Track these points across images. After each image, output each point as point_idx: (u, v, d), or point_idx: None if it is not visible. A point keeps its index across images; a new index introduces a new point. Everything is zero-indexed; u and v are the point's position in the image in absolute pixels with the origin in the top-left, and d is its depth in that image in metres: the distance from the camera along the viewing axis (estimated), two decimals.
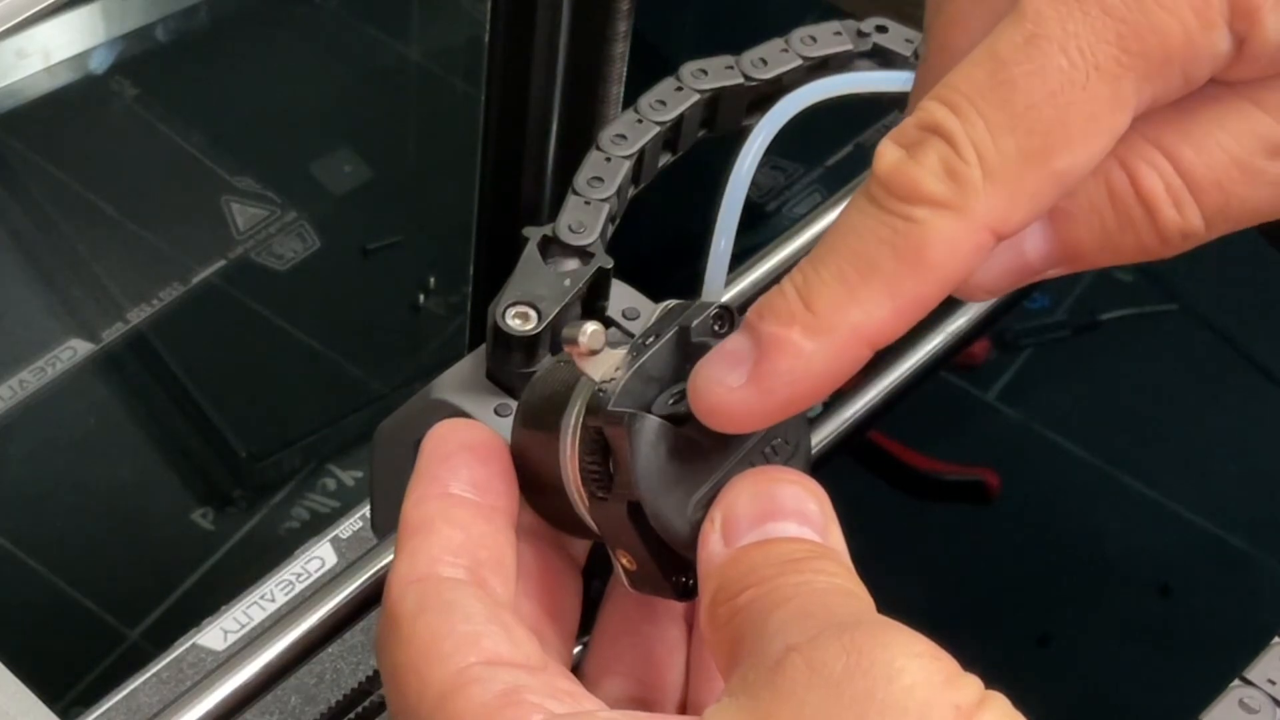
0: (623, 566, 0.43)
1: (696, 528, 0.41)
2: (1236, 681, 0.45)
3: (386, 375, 1.08)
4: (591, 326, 0.42)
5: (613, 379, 0.42)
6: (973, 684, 0.37)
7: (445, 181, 1.14)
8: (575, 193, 0.51)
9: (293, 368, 1.09)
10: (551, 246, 0.49)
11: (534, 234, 0.49)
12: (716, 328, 0.43)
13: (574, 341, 0.42)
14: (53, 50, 1.16)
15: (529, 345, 0.48)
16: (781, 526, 0.40)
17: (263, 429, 1.05)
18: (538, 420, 0.44)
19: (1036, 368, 1.12)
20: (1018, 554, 1.01)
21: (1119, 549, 1.01)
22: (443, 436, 0.44)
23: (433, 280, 1.11)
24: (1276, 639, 0.46)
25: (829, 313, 0.39)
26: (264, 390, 1.09)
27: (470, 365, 0.49)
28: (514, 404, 0.48)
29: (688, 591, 0.42)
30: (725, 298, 0.45)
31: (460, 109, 1.19)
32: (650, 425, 0.41)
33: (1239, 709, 0.45)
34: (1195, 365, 1.13)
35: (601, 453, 0.42)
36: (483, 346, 0.49)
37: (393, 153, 1.21)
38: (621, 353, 0.42)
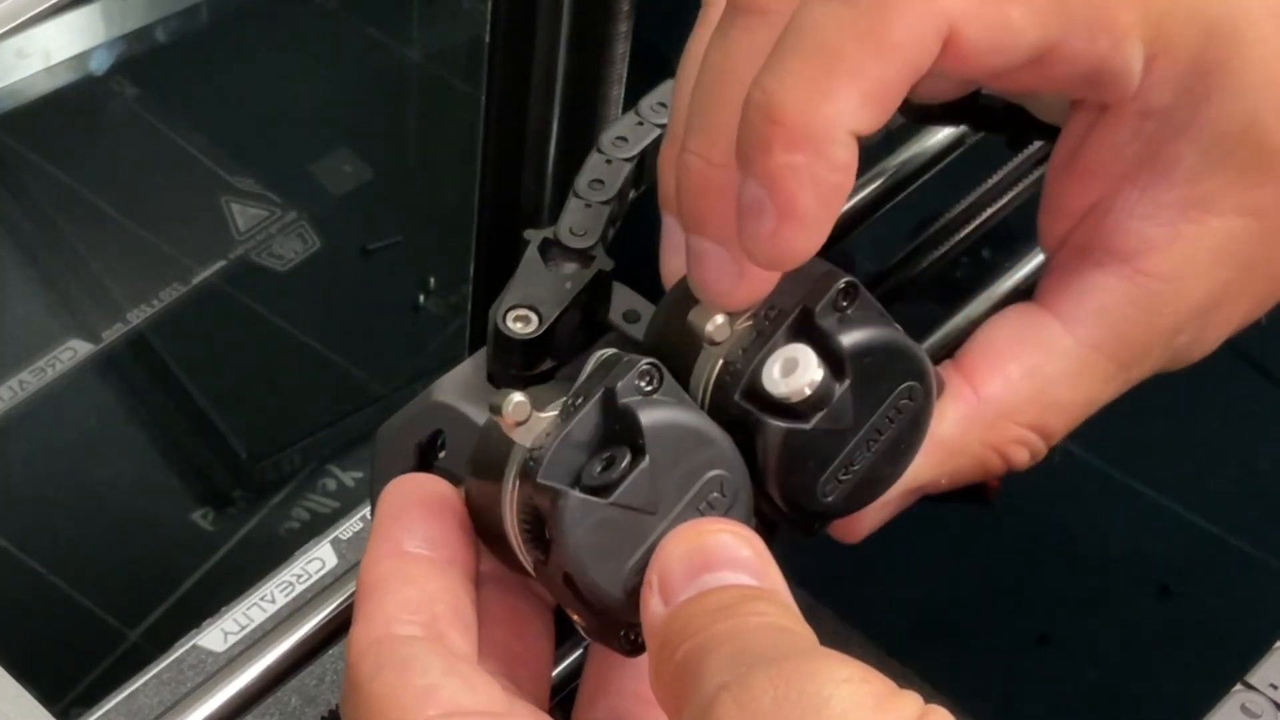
0: (575, 621, 0.43)
1: (633, 594, 0.41)
2: (1238, 686, 0.45)
3: (387, 376, 1.08)
4: (516, 398, 0.42)
5: (541, 446, 0.41)
6: (908, 703, 0.37)
7: (445, 181, 1.14)
8: (576, 195, 0.51)
9: (293, 368, 1.09)
10: (552, 249, 0.49)
11: (534, 236, 0.49)
12: (643, 385, 0.42)
13: (499, 413, 0.42)
14: (53, 50, 1.16)
15: (530, 348, 0.48)
16: (716, 577, 0.40)
17: (263, 429, 1.05)
18: (484, 476, 0.44)
19: None
20: (1018, 554, 1.01)
21: (1119, 549, 1.01)
22: (396, 494, 0.44)
23: (433, 280, 1.11)
24: (1278, 643, 0.46)
25: (801, 118, 0.40)
26: (264, 390, 1.09)
27: (471, 368, 0.49)
28: None
29: (637, 647, 0.42)
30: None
31: (460, 109, 1.19)
32: (575, 502, 0.41)
33: (1240, 714, 0.45)
34: (1195, 365, 1.13)
35: (537, 519, 0.42)
36: (484, 349, 0.49)
37: (393, 153, 1.21)
38: (552, 416, 0.42)
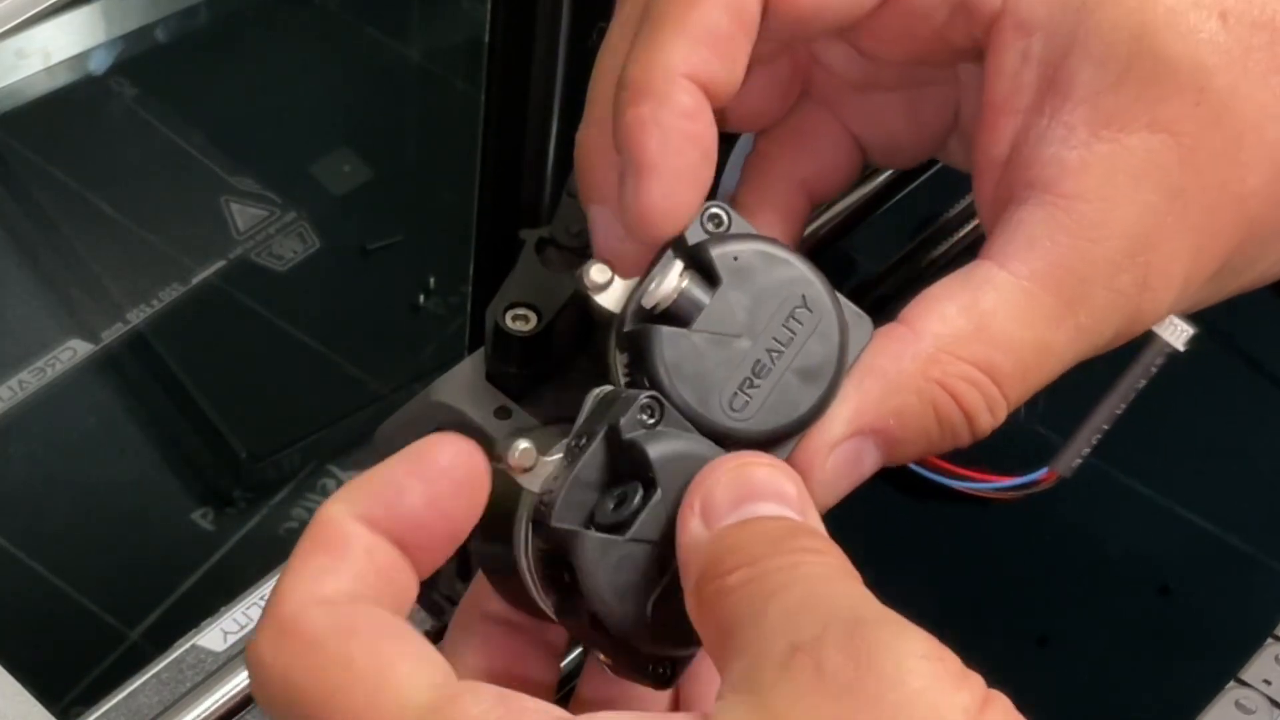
0: (601, 661, 0.43)
1: (659, 626, 0.41)
2: (1232, 683, 0.45)
3: (387, 376, 1.08)
4: (522, 445, 0.42)
5: (551, 490, 0.42)
6: (976, 684, 0.37)
7: (445, 181, 1.14)
8: (570, 195, 0.51)
9: (293, 368, 1.09)
10: (548, 248, 0.50)
11: (530, 236, 0.50)
12: (645, 419, 0.43)
13: (504, 461, 0.42)
14: (53, 50, 1.16)
15: (529, 346, 0.48)
16: (760, 506, 0.40)
17: (262, 429, 1.05)
18: (495, 522, 0.44)
19: None
20: (1018, 554, 1.01)
21: (1119, 549, 1.01)
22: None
23: (433, 280, 1.11)
24: (1270, 640, 0.46)
25: (641, 74, 0.42)
26: (264, 390, 1.09)
27: (470, 367, 0.49)
28: (514, 406, 0.48)
29: (667, 680, 0.42)
30: None
31: (460, 109, 1.19)
32: (594, 543, 0.41)
33: (1235, 710, 0.45)
34: (1195, 365, 1.13)
35: (554, 563, 0.42)
36: (482, 349, 0.49)
37: (393, 153, 1.21)
38: (558, 459, 0.42)
